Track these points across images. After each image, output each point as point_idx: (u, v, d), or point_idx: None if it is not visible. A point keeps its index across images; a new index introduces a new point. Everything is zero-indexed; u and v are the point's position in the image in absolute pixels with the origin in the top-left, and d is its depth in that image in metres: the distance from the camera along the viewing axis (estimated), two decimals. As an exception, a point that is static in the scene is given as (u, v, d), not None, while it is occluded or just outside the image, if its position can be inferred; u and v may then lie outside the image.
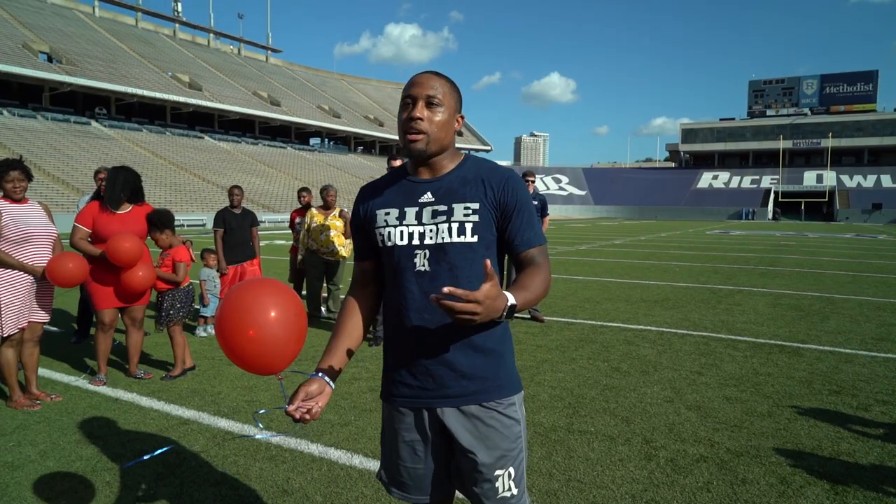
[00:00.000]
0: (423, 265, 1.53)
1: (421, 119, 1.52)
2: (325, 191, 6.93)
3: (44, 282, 3.98)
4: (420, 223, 1.55)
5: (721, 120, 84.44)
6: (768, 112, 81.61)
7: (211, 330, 6.18)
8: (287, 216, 33.91)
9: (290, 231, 7.57)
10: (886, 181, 67.59)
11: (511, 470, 1.56)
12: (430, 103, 1.54)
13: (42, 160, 36.07)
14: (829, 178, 68.31)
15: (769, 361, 5.22)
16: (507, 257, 1.68)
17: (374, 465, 3.10)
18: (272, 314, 1.46)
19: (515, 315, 1.42)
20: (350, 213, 7.24)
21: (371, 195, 1.67)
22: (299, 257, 6.99)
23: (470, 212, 1.53)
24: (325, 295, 7.19)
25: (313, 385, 1.48)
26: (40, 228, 3.97)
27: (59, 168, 35.51)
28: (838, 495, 2.82)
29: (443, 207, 1.55)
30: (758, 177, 74.92)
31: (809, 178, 71.11)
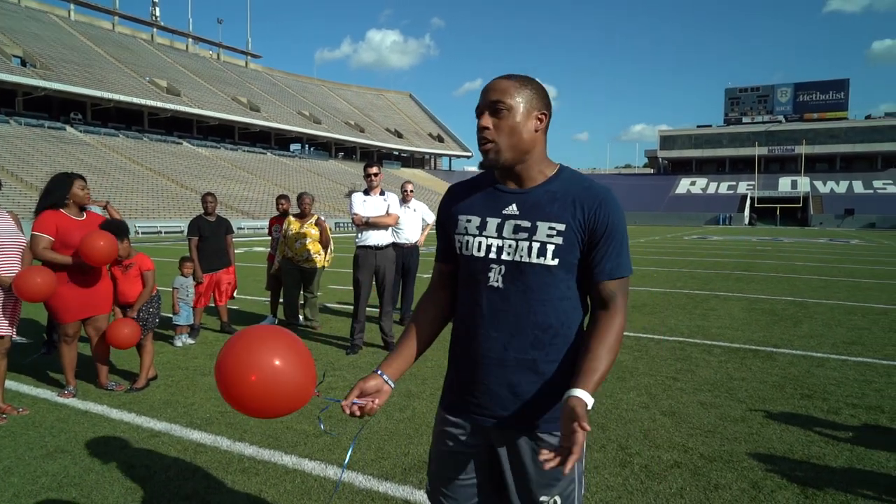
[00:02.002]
0: (497, 281, 1.46)
1: (487, 128, 1.45)
2: (300, 198, 6.88)
3: (11, 293, 3.88)
4: (500, 236, 1.47)
5: (698, 127, 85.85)
6: (744, 119, 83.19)
7: (186, 339, 6.08)
8: (267, 223, 33.80)
9: (269, 238, 7.52)
10: (858, 187, 69.21)
11: (557, 499, 1.49)
12: (495, 110, 1.45)
13: (15, 166, 35.42)
14: (804, 184, 69.76)
15: (743, 366, 5.29)
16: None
17: (347, 476, 3.07)
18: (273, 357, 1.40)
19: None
20: (326, 222, 7.20)
21: (457, 197, 1.60)
22: (276, 265, 6.94)
23: (554, 233, 1.43)
24: (301, 303, 7.13)
25: (370, 382, 1.49)
26: (8, 238, 3.88)
27: (33, 174, 34.86)
28: (808, 499, 2.86)
29: (526, 223, 1.45)
30: (734, 183, 76.26)
31: (784, 184, 72.57)
